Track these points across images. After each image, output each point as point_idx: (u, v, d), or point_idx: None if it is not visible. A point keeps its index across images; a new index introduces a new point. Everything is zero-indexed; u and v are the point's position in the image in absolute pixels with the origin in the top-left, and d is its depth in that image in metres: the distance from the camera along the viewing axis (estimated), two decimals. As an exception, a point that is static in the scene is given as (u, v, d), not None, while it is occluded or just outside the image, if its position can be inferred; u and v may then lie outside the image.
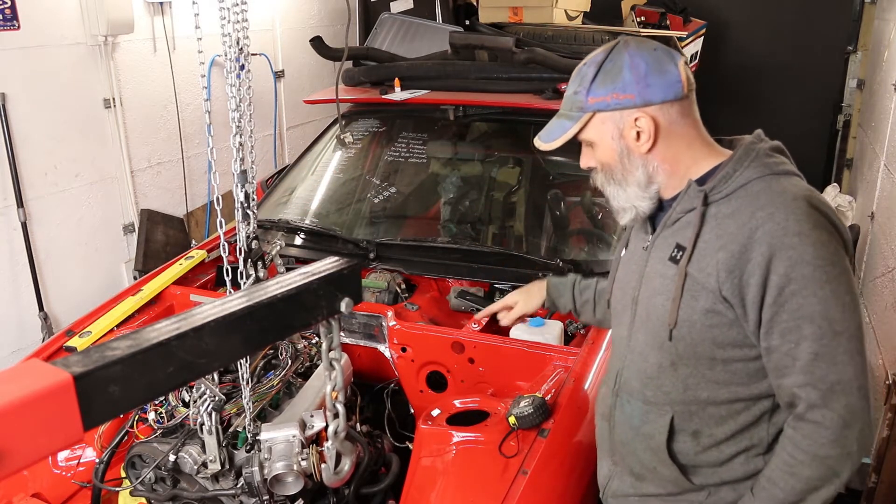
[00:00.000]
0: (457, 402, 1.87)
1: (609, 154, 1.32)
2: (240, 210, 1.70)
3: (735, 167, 1.26)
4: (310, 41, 3.36)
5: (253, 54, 1.68)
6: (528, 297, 1.86)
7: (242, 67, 1.61)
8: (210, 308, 1.03)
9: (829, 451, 1.19)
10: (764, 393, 1.29)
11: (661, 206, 1.36)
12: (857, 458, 1.22)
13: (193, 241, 4.04)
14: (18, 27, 3.18)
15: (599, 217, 2.62)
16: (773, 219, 1.18)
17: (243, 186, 1.68)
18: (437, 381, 2.14)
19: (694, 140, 1.31)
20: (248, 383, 1.70)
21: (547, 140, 1.36)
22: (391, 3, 3.91)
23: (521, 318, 1.91)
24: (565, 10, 4.33)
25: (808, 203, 1.20)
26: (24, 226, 3.28)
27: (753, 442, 1.31)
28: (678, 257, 1.28)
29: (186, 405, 1.79)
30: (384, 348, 2.15)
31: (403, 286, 2.40)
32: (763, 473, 1.28)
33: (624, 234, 1.54)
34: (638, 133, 1.28)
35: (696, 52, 5.06)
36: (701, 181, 1.29)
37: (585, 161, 1.39)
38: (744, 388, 1.29)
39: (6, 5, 3.11)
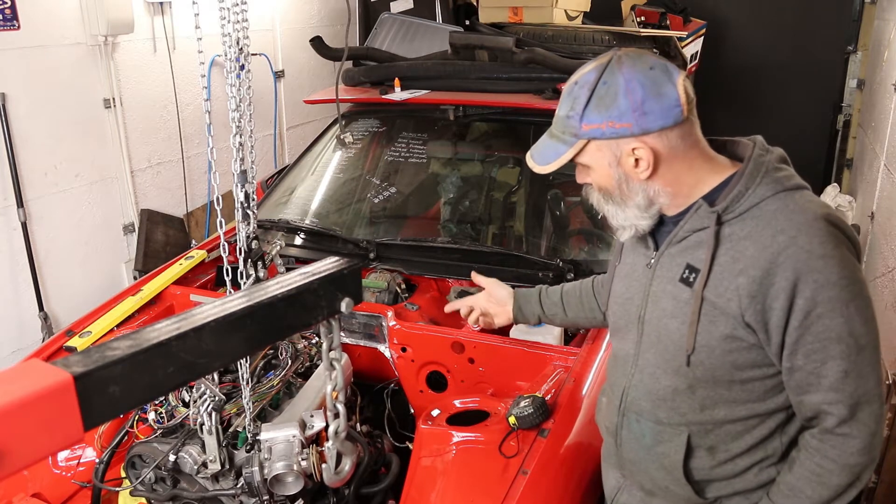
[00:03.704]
0: (457, 402, 1.87)
1: (606, 180, 1.27)
2: (240, 210, 1.70)
3: (747, 185, 1.22)
4: (310, 41, 3.36)
5: (253, 54, 1.68)
6: (499, 306, 1.81)
7: (242, 67, 1.61)
8: (210, 308, 1.03)
9: (859, 460, 1.21)
10: (780, 407, 1.28)
11: (661, 220, 1.32)
12: (877, 460, 1.24)
13: (193, 241, 4.04)
14: (18, 27, 3.18)
15: (599, 217, 2.62)
16: (795, 243, 1.16)
17: (243, 186, 1.67)
18: (437, 381, 2.14)
19: (695, 160, 1.26)
20: (248, 383, 1.70)
21: (541, 163, 1.30)
22: (391, 3, 3.91)
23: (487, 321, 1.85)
24: (565, 10, 4.33)
25: (826, 222, 1.18)
26: (24, 226, 3.28)
27: (767, 453, 1.31)
28: (691, 280, 1.25)
29: (186, 405, 1.79)
30: (384, 348, 2.15)
31: (403, 286, 2.40)
32: (783, 480, 1.28)
33: (616, 245, 1.50)
34: (636, 160, 1.23)
35: (696, 52, 5.06)
36: (709, 198, 1.25)
37: (581, 178, 1.34)
38: (760, 403, 1.28)
39: (6, 5, 3.11)
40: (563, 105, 1.27)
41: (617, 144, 1.22)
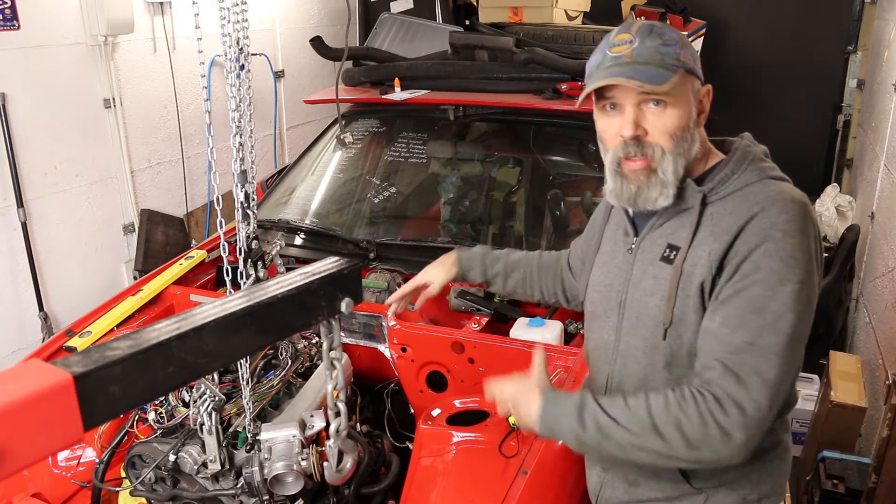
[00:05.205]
0: (457, 402, 1.88)
1: (685, 117, 1.24)
2: (240, 210, 1.70)
3: (734, 169, 1.26)
4: (310, 41, 3.36)
5: (253, 54, 1.68)
6: (444, 270, 1.77)
7: (242, 67, 1.61)
8: (210, 308, 1.03)
9: (691, 428, 1.16)
10: None
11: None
12: (709, 461, 1.20)
13: (193, 241, 4.04)
14: (18, 27, 3.18)
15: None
16: (766, 214, 1.20)
17: (243, 186, 1.68)
18: (437, 381, 2.14)
19: (702, 137, 1.31)
20: (248, 383, 1.70)
21: (655, 82, 1.19)
22: (391, 3, 3.91)
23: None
24: (565, 10, 4.34)
25: (803, 207, 1.22)
26: (24, 226, 3.28)
27: None
28: (672, 257, 1.27)
29: (186, 405, 1.79)
30: (384, 348, 2.15)
31: (403, 286, 2.40)
32: (628, 398, 1.23)
33: (593, 234, 1.51)
34: (701, 106, 1.27)
35: (696, 52, 5.06)
36: (698, 181, 1.28)
37: (632, 128, 1.24)
38: None
39: (6, 5, 3.11)
40: (649, 39, 1.22)
41: (693, 84, 1.26)
